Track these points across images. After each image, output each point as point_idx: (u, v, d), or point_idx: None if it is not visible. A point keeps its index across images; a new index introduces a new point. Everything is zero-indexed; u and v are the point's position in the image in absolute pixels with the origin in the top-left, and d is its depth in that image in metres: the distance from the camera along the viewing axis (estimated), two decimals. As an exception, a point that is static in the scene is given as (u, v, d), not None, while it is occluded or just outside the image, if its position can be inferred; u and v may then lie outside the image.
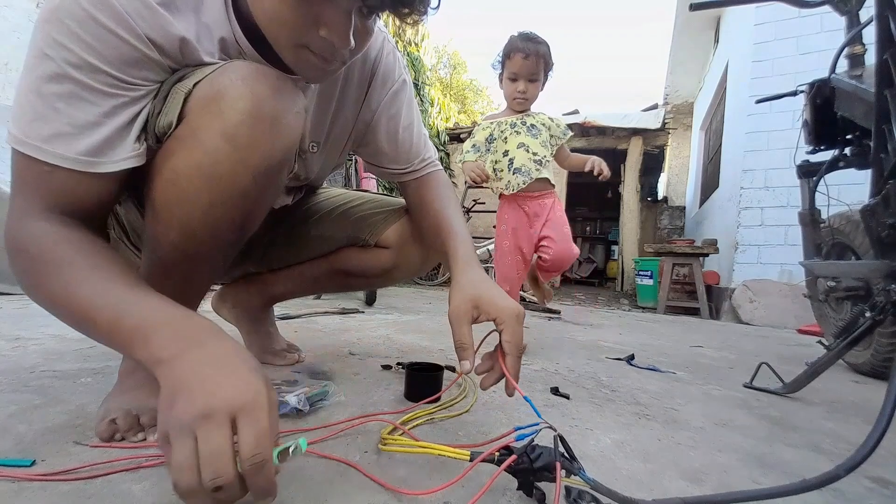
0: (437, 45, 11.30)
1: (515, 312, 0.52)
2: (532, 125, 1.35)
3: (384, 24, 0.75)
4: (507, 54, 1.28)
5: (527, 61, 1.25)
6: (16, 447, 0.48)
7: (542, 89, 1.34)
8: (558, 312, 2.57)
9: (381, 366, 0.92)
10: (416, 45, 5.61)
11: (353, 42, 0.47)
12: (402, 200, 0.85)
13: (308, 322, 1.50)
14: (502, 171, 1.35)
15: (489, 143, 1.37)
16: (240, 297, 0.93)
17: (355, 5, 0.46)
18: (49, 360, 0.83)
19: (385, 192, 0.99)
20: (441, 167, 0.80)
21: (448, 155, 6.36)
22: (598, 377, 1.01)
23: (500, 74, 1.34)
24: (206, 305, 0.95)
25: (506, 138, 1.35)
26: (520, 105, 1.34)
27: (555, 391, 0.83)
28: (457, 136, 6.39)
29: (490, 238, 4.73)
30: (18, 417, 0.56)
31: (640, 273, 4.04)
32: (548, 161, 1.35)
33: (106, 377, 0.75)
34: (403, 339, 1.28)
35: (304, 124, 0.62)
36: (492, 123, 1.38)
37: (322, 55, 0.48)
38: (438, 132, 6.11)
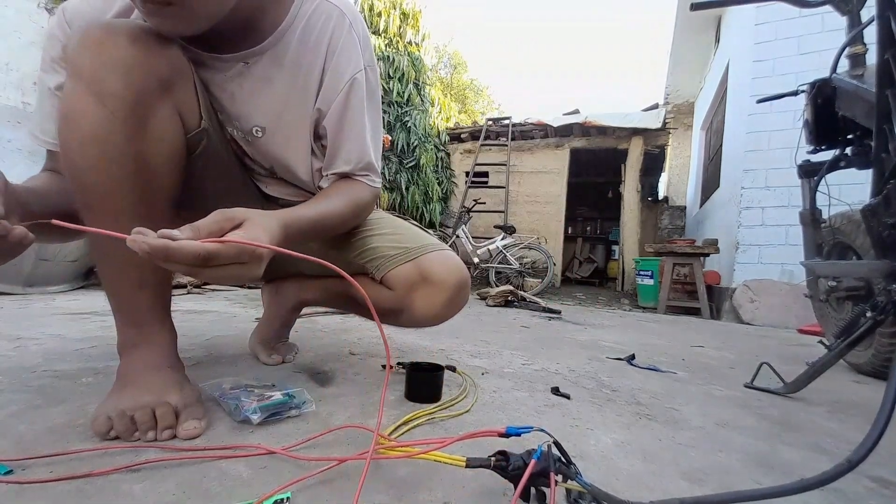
0: (438, 44, 11.30)
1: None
2: None
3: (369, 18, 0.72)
4: None
5: None
6: (16, 447, 0.48)
7: None
8: (559, 312, 2.58)
9: (382, 365, 0.92)
10: (417, 45, 5.60)
11: None
12: (429, 240, 0.77)
13: (309, 322, 1.50)
14: None
15: None
16: (278, 291, 0.95)
17: None
18: (50, 360, 0.83)
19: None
20: (372, 186, 0.73)
21: (448, 155, 6.36)
22: (599, 377, 1.01)
23: None
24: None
25: None
26: None
27: (555, 391, 0.83)
28: (457, 136, 6.39)
29: (490, 238, 4.73)
30: (19, 417, 0.56)
31: (641, 273, 4.04)
32: None
33: (107, 377, 0.75)
34: (404, 339, 1.28)
35: (179, 78, 0.57)
36: None
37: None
38: (439, 132, 6.11)
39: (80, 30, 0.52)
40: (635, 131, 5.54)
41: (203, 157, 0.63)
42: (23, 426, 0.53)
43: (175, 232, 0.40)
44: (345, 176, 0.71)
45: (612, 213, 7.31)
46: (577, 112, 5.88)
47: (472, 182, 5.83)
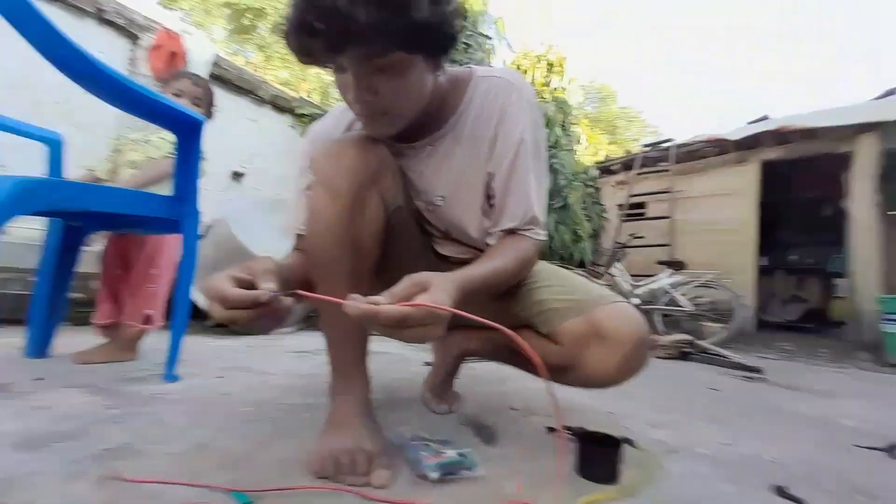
0: (584, 82, 11.16)
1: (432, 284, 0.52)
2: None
3: (523, 72, 0.79)
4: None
5: (195, 87, 1.48)
6: (259, 477, 0.60)
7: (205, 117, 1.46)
8: (759, 370, 2.05)
9: (546, 427, 0.87)
10: (563, 89, 5.67)
11: (354, 95, 0.61)
12: (601, 291, 0.76)
13: (468, 369, 1.54)
14: None
15: None
16: (445, 340, 1.04)
17: (351, 69, 0.58)
18: (284, 394, 1.05)
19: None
20: (537, 239, 0.74)
21: (597, 189, 6.04)
22: (845, 475, 0.75)
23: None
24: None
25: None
26: None
27: (782, 492, 0.64)
28: (607, 169, 6.05)
29: (651, 276, 4.17)
30: (261, 448, 0.71)
31: (890, 317, 2.95)
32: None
33: (318, 413, 0.90)
34: (563, 394, 1.20)
35: (383, 169, 0.70)
36: None
37: (355, 112, 0.66)
38: (586, 168, 5.91)
39: (322, 145, 0.71)
40: (863, 128, 4.20)
41: (397, 229, 0.76)
42: (263, 456, 0.67)
43: (378, 298, 0.48)
44: (511, 232, 0.74)
45: (829, 237, 5.66)
46: (765, 118, 4.87)
47: (627, 215, 5.33)
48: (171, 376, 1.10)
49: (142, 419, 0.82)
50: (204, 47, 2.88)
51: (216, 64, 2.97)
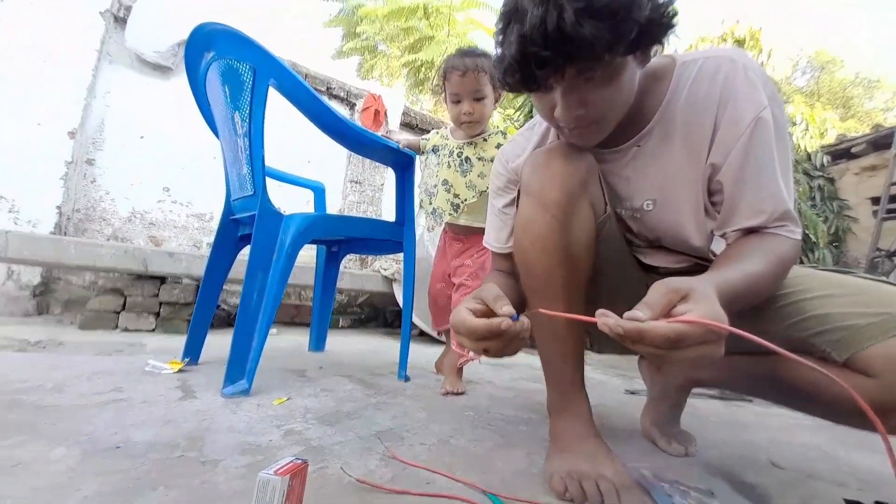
0: (790, 53, 9.00)
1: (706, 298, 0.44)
2: (467, 158, 1.24)
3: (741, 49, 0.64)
4: (444, 75, 1.19)
5: (465, 78, 1.15)
6: (504, 483, 0.62)
7: (494, 107, 1.23)
8: None
9: (845, 500, 0.66)
10: (762, 64, 4.67)
11: (563, 113, 0.57)
12: None
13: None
14: (428, 202, 1.31)
15: (435, 154, 1.31)
16: (660, 367, 0.92)
17: (561, 87, 0.55)
18: (495, 404, 1.09)
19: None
20: (794, 238, 0.60)
21: (832, 180, 4.65)
22: None
23: (445, 99, 1.23)
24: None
25: (442, 165, 1.28)
26: (469, 128, 1.22)
27: None
28: (845, 152, 4.61)
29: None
30: (494, 454, 0.74)
31: None
32: (470, 202, 1.23)
33: (533, 428, 0.91)
34: (851, 457, 0.90)
35: (591, 177, 0.67)
36: (441, 137, 1.32)
37: (558, 127, 0.63)
38: (810, 155, 4.64)
39: (528, 159, 0.70)
40: None
41: (603, 240, 0.71)
42: (499, 463, 0.70)
43: (637, 313, 0.42)
44: (751, 231, 0.61)
45: None
46: None
47: (889, 211, 3.93)
48: (403, 376, 1.28)
49: (394, 409, 0.97)
50: (396, 102, 3.43)
51: (405, 113, 3.49)
